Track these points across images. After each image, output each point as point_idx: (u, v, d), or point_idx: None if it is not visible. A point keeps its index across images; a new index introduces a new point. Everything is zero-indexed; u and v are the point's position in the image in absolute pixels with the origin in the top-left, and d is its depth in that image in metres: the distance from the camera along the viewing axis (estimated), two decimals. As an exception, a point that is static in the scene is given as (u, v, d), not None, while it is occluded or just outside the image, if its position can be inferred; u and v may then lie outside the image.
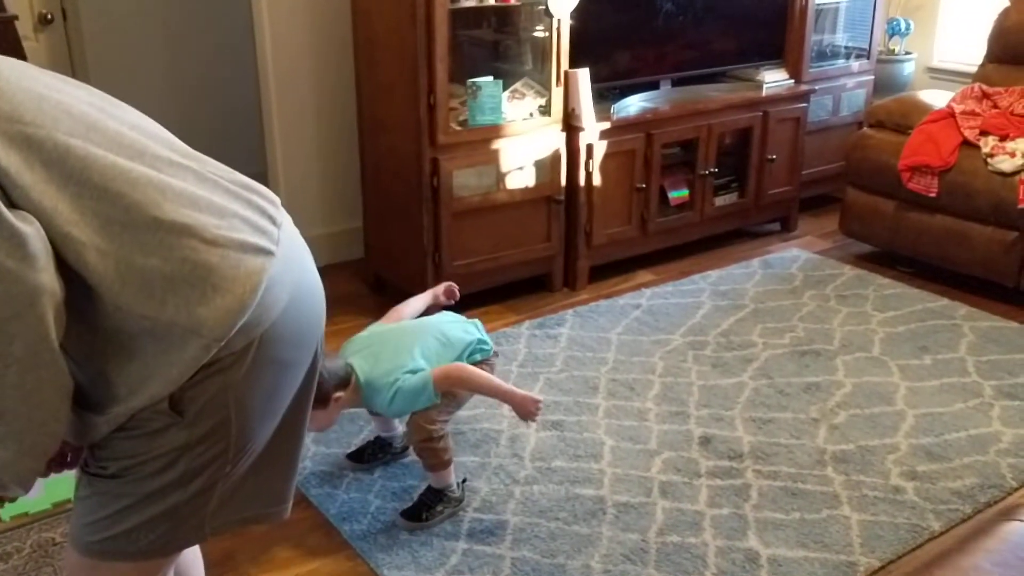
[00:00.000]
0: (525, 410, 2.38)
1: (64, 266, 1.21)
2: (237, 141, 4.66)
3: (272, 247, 1.39)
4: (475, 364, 2.45)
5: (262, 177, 4.12)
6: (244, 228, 1.36)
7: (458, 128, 3.40)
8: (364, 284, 3.86)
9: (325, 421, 2.34)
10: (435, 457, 2.42)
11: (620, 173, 3.77)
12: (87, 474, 1.38)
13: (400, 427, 2.66)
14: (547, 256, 3.74)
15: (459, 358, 2.45)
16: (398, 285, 3.69)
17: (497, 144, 3.46)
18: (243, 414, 1.35)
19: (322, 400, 2.19)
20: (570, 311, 3.61)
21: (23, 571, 2.22)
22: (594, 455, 2.71)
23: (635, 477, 2.61)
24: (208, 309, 1.29)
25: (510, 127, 3.48)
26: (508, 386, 2.44)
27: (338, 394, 2.29)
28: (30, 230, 1.17)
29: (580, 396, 3.01)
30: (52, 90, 1.29)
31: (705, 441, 2.78)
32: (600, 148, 3.67)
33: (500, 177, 3.50)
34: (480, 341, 2.51)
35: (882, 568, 2.28)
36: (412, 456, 2.64)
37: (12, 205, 1.19)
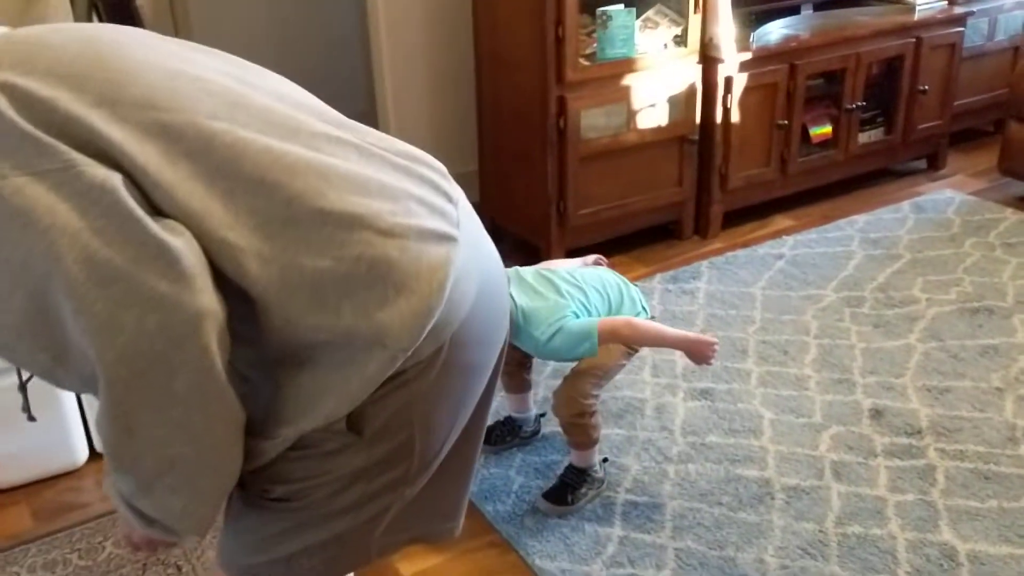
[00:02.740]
0: (701, 354, 2.15)
1: (222, 279, 0.99)
2: (340, 76, 4.42)
3: (454, 231, 1.14)
4: None
5: (369, 117, 3.90)
6: (420, 211, 1.12)
7: (586, 63, 3.09)
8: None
9: None
10: (584, 434, 2.17)
11: (760, 109, 3.42)
12: (244, 493, 1.16)
13: (534, 409, 2.42)
14: (677, 202, 3.44)
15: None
16: (517, 234, 3.43)
17: (628, 80, 3.15)
18: (428, 431, 1.11)
19: None
20: (704, 262, 3.31)
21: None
22: (752, 430, 2.43)
23: (802, 456, 2.33)
24: (391, 314, 1.05)
25: (642, 60, 3.16)
26: (678, 331, 2.22)
27: None
28: (181, 243, 0.95)
29: (728, 360, 2.73)
30: (186, 63, 1.06)
31: (876, 414, 2.48)
32: (740, 81, 3.32)
33: (631, 116, 3.19)
34: (643, 309, 2.24)
35: (1106, 571, 1.99)
36: (546, 430, 2.40)
37: (156, 212, 0.96)
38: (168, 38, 1.16)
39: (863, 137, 3.77)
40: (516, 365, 2.32)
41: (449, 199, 1.20)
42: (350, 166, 1.09)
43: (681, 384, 2.63)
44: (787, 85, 3.43)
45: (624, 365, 2.23)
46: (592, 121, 3.13)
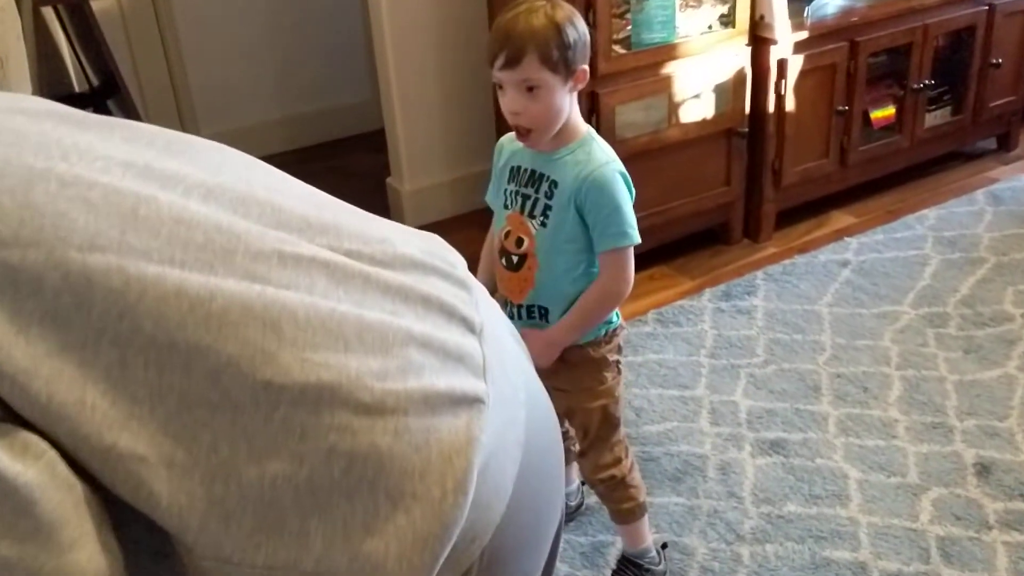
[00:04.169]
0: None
1: (117, 509, 0.65)
2: (341, 65, 4.00)
3: (479, 386, 0.79)
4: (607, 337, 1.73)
5: (372, 109, 3.47)
6: (427, 362, 0.76)
7: (620, 51, 2.67)
8: (500, 240, 3.20)
9: (552, 103, 1.51)
10: (625, 497, 1.79)
11: (817, 93, 3.00)
12: None
13: (577, 479, 2.03)
14: (725, 203, 3.03)
15: None
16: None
17: (669, 68, 2.73)
18: None
19: (568, 68, 1.50)
20: (759, 273, 2.91)
21: None
22: (837, 495, 2.05)
23: (900, 531, 1.95)
24: (385, 539, 0.69)
25: (684, 45, 2.74)
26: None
27: (586, 70, 1.55)
28: (35, 474, 0.60)
29: (800, 401, 2.34)
30: (57, 154, 0.67)
31: (983, 470, 2.09)
32: (795, 64, 2.90)
33: (672, 109, 2.77)
34: None
35: None
36: (591, 499, 2.02)
37: (6, 414, 0.60)
38: (47, 107, 0.77)
39: (930, 119, 3.34)
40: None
41: (470, 326, 0.83)
42: (315, 301, 0.73)
43: (747, 434, 2.24)
44: (847, 65, 3.00)
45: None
46: (629, 118, 2.72)
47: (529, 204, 1.63)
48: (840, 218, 3.21)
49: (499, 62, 1.48)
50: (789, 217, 3.16)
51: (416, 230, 0.94)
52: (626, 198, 1.57)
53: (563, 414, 1.79)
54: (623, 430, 1.79)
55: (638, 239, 1.58)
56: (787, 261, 2.96)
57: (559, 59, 1.47)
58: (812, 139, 3.05)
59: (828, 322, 2.64)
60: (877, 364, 2.45)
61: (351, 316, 0.74)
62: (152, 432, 0.64)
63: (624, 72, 2.66)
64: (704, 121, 2.84)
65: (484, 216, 3.07)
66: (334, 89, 4.04)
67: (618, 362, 1.74)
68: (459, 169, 3.33)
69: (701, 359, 2.52)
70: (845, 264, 2.91)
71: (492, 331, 0.88)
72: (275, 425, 0.68)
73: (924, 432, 2.21)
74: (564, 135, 1.57)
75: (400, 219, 3.38)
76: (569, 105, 1.56)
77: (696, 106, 2.81)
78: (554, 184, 1.59)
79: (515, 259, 1.66)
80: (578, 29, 1.51)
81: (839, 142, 3.10)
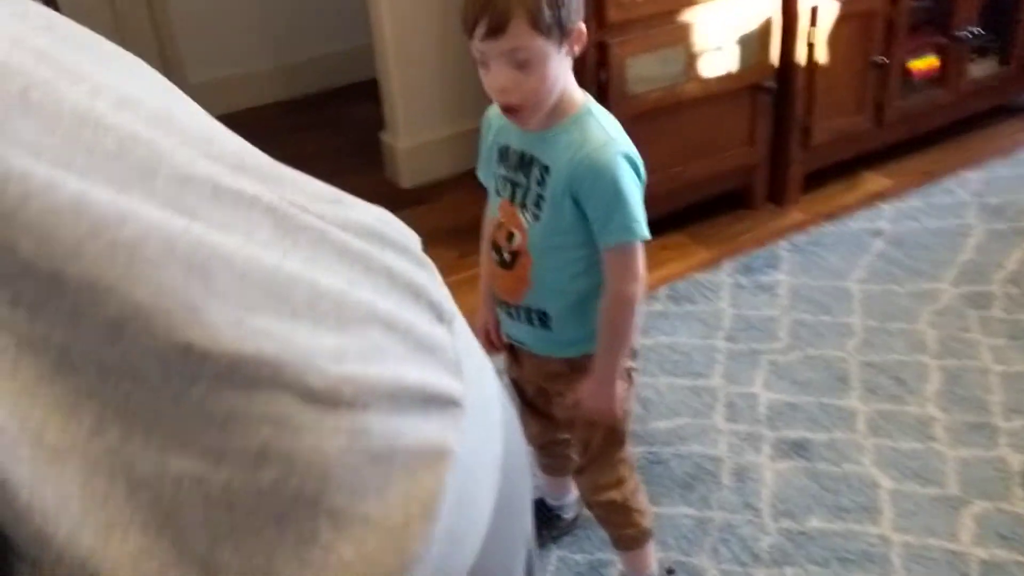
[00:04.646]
0: (597, 409, 1.45)
1: None
2: (335, 8, 3.72)
3: (456, 386, 0.64)
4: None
5: (368, 56, 3.21)
6: (393, 345, 0.61)
7: (634, -3, 2.39)
8: (502, 202, 2.95)
9: (547, 74, 1.25)
10: (626, 523, 1.59)
11: (852, 44, 2.71)
12: None
13: (574, 491, 1.81)
14: (748, 164, 2.76)
15: None
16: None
17: (688, 14, 2.45)
18: None
19: (563, 29, 1.23)
20: (783, 242, 2.65)
21: None
22: (867, 507, 1.82)
23: (938, 552, 1.72)
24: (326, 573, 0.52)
25: (706, -11, 2.45)
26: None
27: (583, 28, 1.28)
28: None
29: (826, 394, 2.10)
30: None
31: (1033, 480, 1.86)
32: (829, 11, 2.61)
33: (690, 62, 2.50)
34: None
35: None
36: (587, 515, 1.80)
37: None
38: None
39: (974, 70, 3.04)
40: (549, 442, 1.71)
41: (439, 313, 0.66)
42: (257, 252, 0.56)
43: (766, 433, 2.01)
44: (888, 12, 2.70)
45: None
46: (642, 71, 2.45)
47: (520, 193, 1.38)
48: (874, 180, 2.94)
49: (479, 31, 1.22)
50: (818, 179, 2.90)
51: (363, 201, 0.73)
52: (631, 184, 1.31)
53: (564, 422, 1.57)
54: (629, 448, 1.57)
55: (646, 234, 1.34)
56: (814, 229, 2.70)
57: (552, 20, 1.21)
58: (845, 94, 2.77)
59: (858, 301, 2.39)
60: (913, 351, 2.21)
61: (303, 278, 0.57)
62: (14, 395, 0.45)
63: (637, 20, 2.38)
64: (727, 75, 2.57)
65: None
66: (328, 35, 3.76)
67: (631, 370, 1.51)
68: (459, 123, 3.06)
69: (717, 343, 2.28)
70: (878, 234, 2.65)
71: (461, 325, 0.71)
72: (189, 406, 0.50)
73: (965, 433, 1.97)
74: (558, 110, 1.32)
75: (395, 178, 3.13)
76: (568, 71, 1.30)
77: (718, 58, 2.53)
78: (546, 170, 1.34)
79: (507, 256, 1.42)
80: None
81: (875, 97, 2.82)
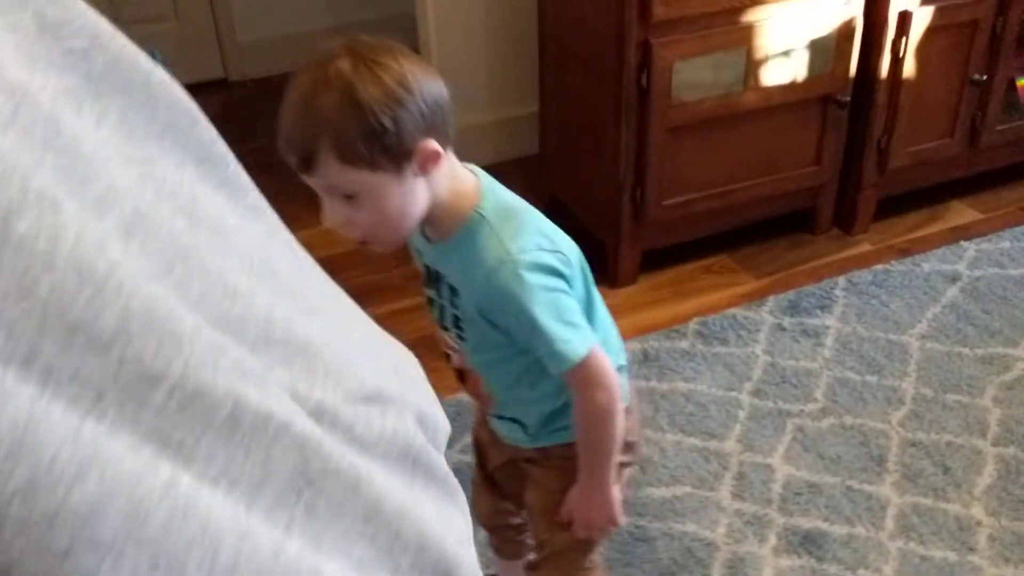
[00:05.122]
0: (588, 520, 1.24)
1: None
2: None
3: None
4: None
5: (405, 25, 2.96)
6: None
7: (688, -9, 2.09)
8: (538, 200, 2.69)
9: (386, 207, 1.02)
10: None
11: (948, 58, 2.35)
12: None
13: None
14: (812, 186, 2.44)
15: None
16: (581, 220, 2.51)
17: (750, 15, 2.13)
18: None
19: (394, 155, 0.98)
20: (841, 279, 2.33)
21: None
22: (877, 630, 1.55)
23: None
24: None
25: (775, -14, 2.13)
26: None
27: (432, 146, 1.00)
28: None
29: (855, 475, 1.81)
30: None
31: (1086, 620, 1.55)
32: (922, 18, 2.25)
33: (751, 68, 2.19)
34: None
35: None
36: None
37: None
38: None
39: (1096, 92, 2.63)
40: (505, 525, 1.48)
41: None
42: (252, 527, 0.42)
43: (776, 517, 1.74)
44: (993, 23, 2.33)
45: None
46: (691, 76, 2.15)
47: (437, 312, 1.17)
48: (961, 212, 2.58)
49: (292, 163, 0.99)
50: (895, 206, 2.55)
51: (387, 344, 0.60)
52: (544, 304, 1.05)
53: (525, 498, 1.35)
54: (600, 551, 1.33)
55: (582, 351, 1.08)
56: (880, 266, 2.37)
57: (372, 150, 0.96)
58: (934, 113, 2.42)
59: (916, 361, 2.07)
60: (968, 433, 1.89)
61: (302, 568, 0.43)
62: None
63: (688, 18, 2.08)
64: (793, 84, 2.25)
65: (531, 166, 2.58)
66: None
67: (624, 465, 1.27)
68: (506, 108, 2.81)
69: (742, 396, 2.00)
70: (955, 279, 2.31)
71: None
72: None
73: (1015, 547, 1.66)
74: (443, 223, 1.08)
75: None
76: (429, 189, 1.04)
77: (784, 65, 2.22)
78: (454, 290, 1.11)
79: (456, 374, 1.22)
80: (403, 96, 0.97)
81: (970, 118, 2.45)
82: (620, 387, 1.13)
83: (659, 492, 1.79)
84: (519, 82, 2.75)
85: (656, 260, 2.39)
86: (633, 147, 2.19)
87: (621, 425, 1.14)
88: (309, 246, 0.56)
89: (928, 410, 1.95)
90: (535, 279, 1.04)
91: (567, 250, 1.11)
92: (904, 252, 2.43)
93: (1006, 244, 2.42)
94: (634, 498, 1.77)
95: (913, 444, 1.87)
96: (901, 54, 2.28)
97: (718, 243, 2.45)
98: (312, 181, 1.00)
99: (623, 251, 2.32)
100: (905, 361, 2.07)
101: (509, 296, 1.03)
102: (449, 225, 1.07)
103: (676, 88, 2.14)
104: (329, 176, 0.98)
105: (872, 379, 2.03)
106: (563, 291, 1.07)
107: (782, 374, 2.05)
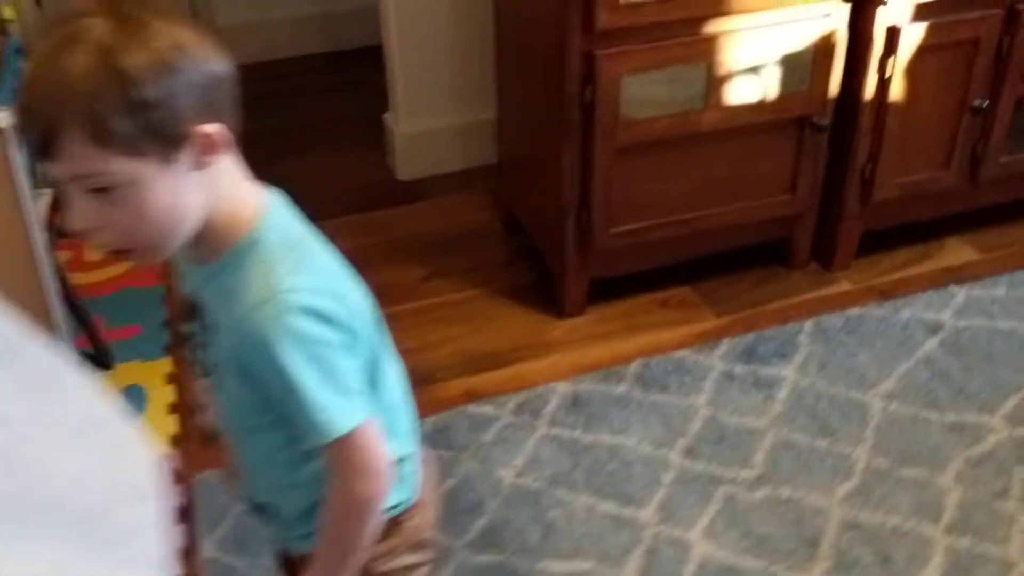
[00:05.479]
0: None
1: None
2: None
3: None
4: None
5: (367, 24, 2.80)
6: None
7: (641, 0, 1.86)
8: (494, 215, 2.50)
9: (149, 206, 0.81)
10: None
11: (944, 80, 2.09)
12: None
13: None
14: (787, 216, 2.21)
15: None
16: (532, 240, 2.32)
17: (711, 27, 1.91)
18: None
19: (163, 138, 0.80)
20: (809, 323, 2.10)
21: None
22: None
23: None
24: None
25: (742, -5, 1.90)
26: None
27: (214, 131, 0.82)
28: None
29: (782, 560, 1.59)
30: None
31: None
32: (913, 34, 2.00)
33: (713, 85, 1.96)
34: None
35: None
36: None
37: None
38: None
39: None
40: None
41: None
42: None
43: (681, 605, 1.53)
44: (998, 42, 2.07)
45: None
46: (642, 92, 1.93)
47: (191, 351, 0.97)
48: (956, 250, 2.32)
49: (31, 145, 0.80)
50: (883, 241, 2.31)
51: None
52: (311, 359, 0.85)
53: None
54: None
55: (345, 425, 0.88)
56: (856, 310, 2.13)
57: (136, 128, 0.77)
58: (928, 141, 2.16)
59: (875, 425, 1.84)
60: (919, 515, 1.66)
61: None
62: None
63: (640, 28, 1.86)
64: (763, 104, 2.02)
65: (492, 177, 2.39)
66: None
67: (411, 568, 1.07)
68: (470, 111, 2.61)
69: (672, 455, 1.79)
70: (936, 329, 2.06)
71: None
72: None
73: (949, 662, 1.44)
74: (214, 239, 0.87)
75: (392, 166, 2.71)
76: (206, 190, 0.84)
77: (752, 83, 1.99)
78: (216, 324, 0.91)
79: (208, 434, 1.01)
80: (178, 63, 0.78)
81: (970, 148, 2.19)
82: (391, 480, 0.93)
83: (556, 566, 1.60)
84: (478, 88, 2.55)
85: (610, 289, 2.18)
86: (578, 168, 1.99)
87: (375, 526, 0.94)
88: None
89: (879, 484, 1.72)
90: (303, 326, 0.84)
91: (356, 302, 0.92)
92: (885, 294, 2.19)
93: (1001, 291, 2.16)
94: (528, 569, 1.58)
95: (854, 526, 1.65)
96: (888, 74, 2.03)
97: (681, 273, 2.23)
98: (56, 169, 0.79)
99: (568, 279, 2.12)
100: (863, 424, 1.84)
101: (266, 342, 0.83)
102: (220, 244, 0.87)
103: (625, 104, 1.92)
104: (76, 162, 0.77)
105: (822, 444, 1.81)
106: (338, 348, 0.87)
107: (721, 432, 1.84)
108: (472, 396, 1.96)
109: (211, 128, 0.81)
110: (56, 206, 1.78)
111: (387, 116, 2.70)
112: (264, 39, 3.30)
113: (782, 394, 1.92)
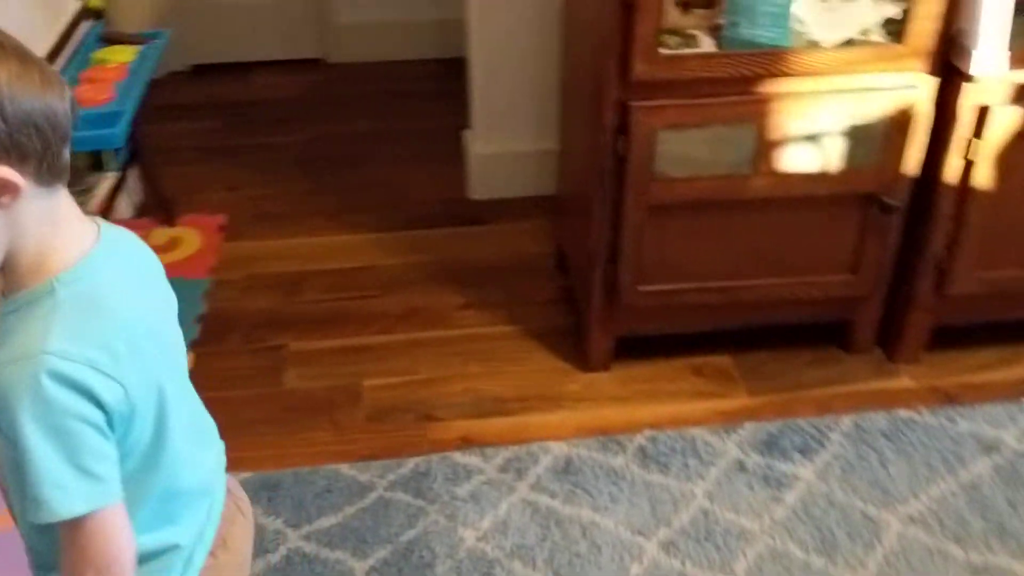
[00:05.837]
0: None
1: None
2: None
3: None
4: None
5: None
6: None
7: (668, 52, 1.72)
8: (551, 249, 2.40)
9: None
10: None
11: (1041, 169, 1.84)
12: None
13: None
14: (846, 296, 2.00)
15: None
16: (574, 283, 2.21)
17: (765, 87, 1.74)
18: None
19: None
20: (848, 418, 1.90)
21: None
22: None
23: None
24: None
25: (808, 56, 1.72)
26: None
27: (7, 176, 0.78)
28: None
29: None
30: None
31: None
32: (1005, 116, 1.77)
33: (763, 149, 1.79)
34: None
35: None
36: None
37: None
38: None
39: None
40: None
41: None
42: None
43: None
44: (1112, 134, 1.80)
45: None
46: (681, 149, 1.79)
47: None
48: (1049, 358, 2.06)
49: None
50: (963, 338, 2.06)
51: None
52: (54, 430, 0.80)
53: None
54: None
55: (76, 509, 0.82)
56: (907, 412, 1.92)
57: None
58: (1017, 237, 1.91)
59: (885, 550, 1.64)
60: (901, 669, 1.46)
61: None
62: None
63: (680, 82, 1.72)
64: (823, 176, 1.83)
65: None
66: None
67: None
68: (543, 139, 2.52)
69: (648, 545, 1.66)
70: (992, 449, 1.83)
71: None
72: None
73: None
74: (16, 274, 0.84)
75: (466, 187, 2.65)
76: (9, 228, 0.81)
77: (810, 151, 1.81)
78: None
79: None
80: None
81: (1073, 249, 1.93)
82: (132, 572, 0.87)
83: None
84: (541, 119, 2.47)
85: (644, 346, 2.05)
86: (608, 218, 1.87)
87: None
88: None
89: (866, 623, 1.53)
90: (54, 394, 0.79)
91: (136, 387, 0.85)
92: (950, 399, 1.96)
93: (1085, 415, 1.89)
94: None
95: (821, 665, 1.47)
96: (973, 157, 1.80)
97: (726, 341, 2.07)
98: None
99: (593, 332, 2.00)
100: (870, 547, 1.65)
101: (10, 399, 0.79)
102: (18, 284, 0.84)
103: (660, 161, 1.79)
104: None
105: (817, 562, 1.62)
106: (93, 426, 0.82)
107: (710, 528, 1.69)
108: (466, 441, 1.88)
109: (5, 173, 0.77)
110: None
111: (466, 133, 2.64)
112: (382, 40, 3.31)
113: (791, 497, 1.74)
